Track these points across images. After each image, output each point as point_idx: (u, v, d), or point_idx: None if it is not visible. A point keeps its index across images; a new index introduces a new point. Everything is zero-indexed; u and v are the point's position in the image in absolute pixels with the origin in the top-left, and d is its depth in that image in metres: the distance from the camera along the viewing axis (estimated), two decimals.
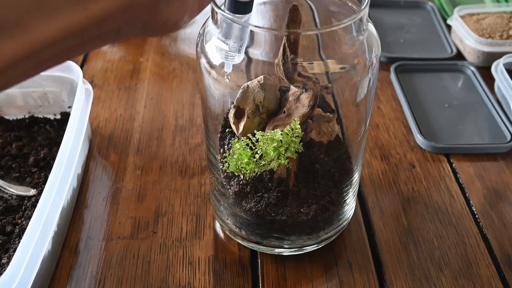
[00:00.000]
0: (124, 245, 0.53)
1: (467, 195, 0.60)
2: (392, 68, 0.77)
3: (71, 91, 0.63)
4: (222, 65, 0.44)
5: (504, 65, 0.72)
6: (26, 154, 0.60)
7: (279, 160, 0.44)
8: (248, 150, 0.44)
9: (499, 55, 0.75)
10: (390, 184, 0.61)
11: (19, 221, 0.52)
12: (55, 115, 0.66)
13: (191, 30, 0.86)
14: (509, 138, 0.67)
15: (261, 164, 0.45)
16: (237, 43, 0.39)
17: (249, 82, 0.46)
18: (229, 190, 0.49)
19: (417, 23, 0.90)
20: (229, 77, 0.45)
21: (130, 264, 0.51)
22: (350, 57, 0.43)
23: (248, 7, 0.38)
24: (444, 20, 0.90)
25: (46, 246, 0.45)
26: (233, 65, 0.43)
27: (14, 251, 0.48)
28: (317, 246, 0.52)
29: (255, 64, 0.45)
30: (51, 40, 0.24)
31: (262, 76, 0.46)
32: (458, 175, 0.63)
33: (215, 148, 0.50)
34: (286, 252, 0.51)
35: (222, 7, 0.39)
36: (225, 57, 0.40)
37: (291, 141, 0.43)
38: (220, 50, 0.40)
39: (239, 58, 0.40)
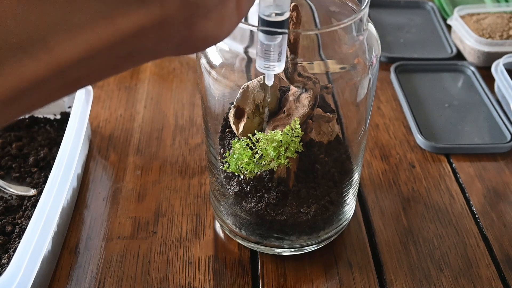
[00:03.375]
0: (124, 245, 0.53)
1: (467, 195, 0.60)
2: (392, 68, 0.77)
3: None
4: (222, 65, 0.44)
5: (504, 65, 0.72)
6: (26, 154, 0.60)
7: (279, 160, 0.44)
8: (248, 150, 0.44)
9: (499, 55, 0.75)
10: (390, 184, 0.61)
11: (19, 221, 0.52)
12: (55, 115, 0.66)
13: None
14: (509, 138, 0.67)
15: (261, 164, 0.45)
16: (277, 52, 0.37)
17: (249, 82, 0.46)
18: (229, 190, 0.49)
19: (417, 23, 0.90)
20: (269, 92, 0.44)
21: (130, 264, 0.51)
22: (350, 57, 0.43)
23: (284, 24, 0.36)
24: (444, 20, 0.90)
25: (46, 246, 0.45)
26: (234, 65, 0.43)
27: (14, 251, 0.48)
28: (317, 246, 0.52)
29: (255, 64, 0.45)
30: (77, 58, 0.22)
31: (262, 76, 0.46)
32: (458, 175, 0.63)
33: (215, 148, 0.50)
34: (286, 252, 0.51)
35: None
36: (266, 67, 0.37)
37: (291, 141, 0.43)
38: (259, 61, 0.37)
39: (280, 67, 0.38)
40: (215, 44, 0.28)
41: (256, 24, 0.36)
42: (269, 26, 0.35)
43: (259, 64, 0.37)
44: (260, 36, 0.36)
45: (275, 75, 0.40)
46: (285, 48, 0.37)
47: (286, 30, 0.36)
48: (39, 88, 0.22)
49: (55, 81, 0.22)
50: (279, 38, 0.36)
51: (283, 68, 0.38)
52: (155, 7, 0.23)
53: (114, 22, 0.22)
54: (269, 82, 0.40)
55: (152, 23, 0.23)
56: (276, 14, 0.34)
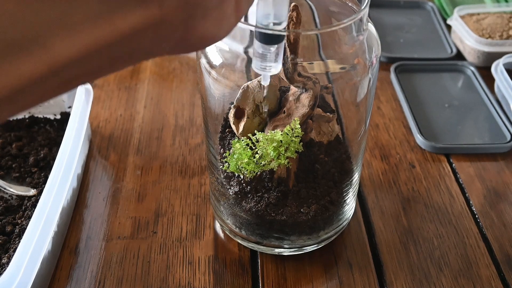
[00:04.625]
0: (124, 245, 0.53)
1: (467, 195, 0.60)
2: (392, 68, 0.77)
3: (71, 91, 0.63)
4: (222, 65, 0.44)
5: (504, 65, 0.72)
6: (26, 154, 0.60)
7: (279, 160, 0.44)
8: (248, 150, 0.44)
9: (499, 55, 0.75)
10: (390, 184, 0.61)
11: (19, 221, 0.52)
12: (55, 115, 0.66)
13: None
14: (509, 138, 0.67)
15: (261, 164, 0.45)
16: (273, 54, 0.37)
17: (249, 82, 0.46)
18: (229, 190, 0.49)
19: (417, 23, 0.90)
20: (266, 91, 0.45)
21: (130, 264, 0.51)
22: (350, 57, 0.43)
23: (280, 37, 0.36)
24: (444, 20, 0.90)
25: (46, 246, 0.45)
26: (234, 65, 0.43)
27: (14, 251, 0.48)
28: (317, 246, 0.52)
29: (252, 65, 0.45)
30: (74, 57, 0.22)
31: (262, 76, 0.46)
32: (458, 175, 0.63)
33: (215, 148, 0.50)
34: (286, 252, 0.51)
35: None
36: (262, 68, 0.37)
37: (291, 141, 0.43)
38: (255, 62, 0.37)
39: (276, 68, 0.37)
40: (213, 44, 0.28)
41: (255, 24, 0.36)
42: (266, 36, 0.35)
43: (255, 65, 0.37)
44: (256, 45, 0.36)
45: (274, 75, 0.40)
46: (282, 49, 0.37)
47: (284, 41, 0.36)
48: (36, 86, 0.22)
49: (53, 80, 0.22)
50: (275, 46, 0.36)
51: (279, 69, 0.38)
52: (153, 7, 0.23)
53: (112, 22, 0.22)
54: (265, 82, 0.41)
55: (151, 23, 0.23)
56: (274, 24, 0.34)
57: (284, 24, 0.35)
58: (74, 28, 0.21)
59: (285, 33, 0.36)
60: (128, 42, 0.23)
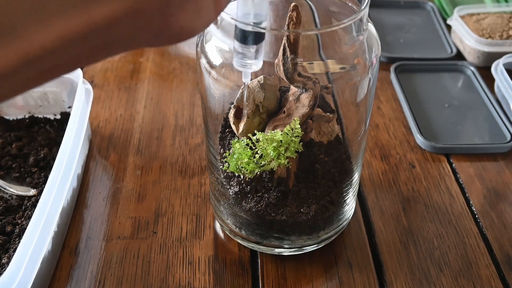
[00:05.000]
0: (124, 245, 0.53)
1: (467, 195, 0.60)
2: (392, 68, 0.77)
3: (71, 91, 0.63)
4: (222, 65, 0.44)
5: (504, 65, 0.72)
6: (26, 154, 0.60)
7: (279, 160, 0.44)
8: (248, 150, 0.44)
9: (499, 55, 0.75)
10: (390, 184, 0.61)
11: (19, 221, 0.52)
12: (55, 115, 0.66)
13: None
14: (509, 138, 0.67)
15: (261, 164, 0.45)
16: (253, 50, 0.37)
17: (249, 82, 0.46)
18: (229, 190, 0.49)
19: (417, 23, 0.90)
20: (246, 86, 0.45)
21: (130, 264, 0.51)
22: (350, 57, 0.43)
23: (261, 36, 0.36)
24: (444, 20, 0.90)
25: (46, 246, 0.45)
26: (233, 65, 0.43)
27: (14, 251, 0.48)
28: (317, 246, 0.52)
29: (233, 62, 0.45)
30: (50, 47, 0.22)
31: (262, 76, 0.46)
32: (458, 175, 0.63)
33: (215, 148, 0.50)
34: (286, 252, 0.51)
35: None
36: (242, 65, 0.37)
37: (291, 141, 0.43)
38: (236, 59, 0.37)
39: (257, 65, 0.37)
40: (191, 36, 0.28)
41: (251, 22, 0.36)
42: (245, 36, 0.35)
43: (235, 62, 0.37)
44: (236, 44, 0.36)
45: (274, 75, 0.40)
46: (262, 47, 0.37)
47: (263, 41, 0.36)
48: (11, 76, 0.22)
49: (29, 70, 0.22)
50: (254, 47, 0.36)
51: (260, 66, 0.38)
52: None
53: (87, 11, 0.22)
54: (246, 79, 0.40)
55: (127, 12, 0.23)
56: (254, 24, 0.34)
57: (264, 24, 0.35)
58: (48, 17, 0.21)
59: (264, 31, 0.36)
60: (105, 31, 0.23)
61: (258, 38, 0.35)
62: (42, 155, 0.59)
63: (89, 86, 0.60)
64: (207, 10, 0.27)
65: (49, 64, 0.23)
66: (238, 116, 0.47)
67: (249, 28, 0.35)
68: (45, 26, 0.21)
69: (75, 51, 0.23)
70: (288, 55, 0.41)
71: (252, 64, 0.37)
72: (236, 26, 0.35)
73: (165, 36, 0.26)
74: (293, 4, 0.41)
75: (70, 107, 0.65)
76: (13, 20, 0.21)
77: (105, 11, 0.22)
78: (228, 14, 0.37)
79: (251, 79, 0.45)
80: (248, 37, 0.35)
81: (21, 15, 0.21)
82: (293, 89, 0.46)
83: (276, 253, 0.52)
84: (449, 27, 0.86)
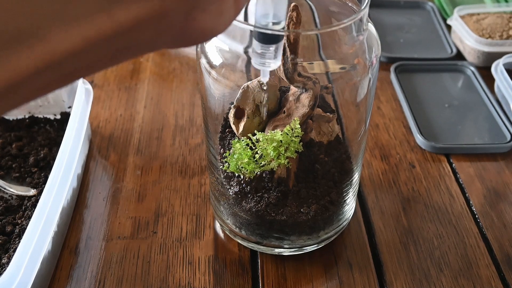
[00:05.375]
0: (124, 245, 0.53)
1: (467, 195, 0.60)
2: (392, 68, 0.77)
3: (71, 91, 0.63)
4: (222, 65, 0.44)
5: (504, 65, 0.72)
6: (26, 154, 0.60)
7: (279, 160, 0.44)
8: (248, 150, 0.44)
9: (499, 55, 0.75)
10: (390, 184, 0.61)
11: (19, 221, 0.52)
12: (55, 115, 0.66)
13: None
14: (509, 138, 0.67)
15: (261, 164, 0.45)
16: (272, 51, 0.37)
17: (249, 82, 0.46)
18: (229, 190, 0.49)
19: (417, 23, 0.90)
20: (265, 86, 0.45)
21: (130, 264, 0.51)
22: (350, 57, 0.43)
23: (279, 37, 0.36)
24: (444, 20, 0.90)
25: (46, 246, 0.45)
26: (234, 65, 0.43)
27: (14, 251, 0.48)
28: (317, 246, 0.52)
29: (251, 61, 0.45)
30: (73, 51, 0.21)
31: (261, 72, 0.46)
32: (458, 175, 0.63)
33: (215, 148, 0.50)
34: (286, 252, 0.51)
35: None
36: (261, 64, 0.37)
37: (291, 141, 0.43)
38: (255, 58, 0.37)
39: (276, 64, 0.38)
40: (212, 37, 0.28)
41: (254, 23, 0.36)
42: (265, 36, 0.35)
43: (254, 61, 0.37)
44: (255, 44, 0.36)
45: (274, 75, 0.40)
46: (281, 46, 0.37)
47: (282, 40, 0.36)
48: (35, 79, 0.21)
49: (51, 73, 0.22)
50: (274, 46, 0.36)
51: (279, 64, 0.38)
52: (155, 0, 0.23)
53: (112, 15, 0.22)
54: (265, 78, 0.40)
55: (151, 16, 0.23)
56: (273, 23, 0.35)
57: (283, 24, 0.35)
58: (73, 20, 0.21)
59: (284, 33, 0.36)
60: (128, 35, 0.23)
61: (277, 37, 0.36)
62: (42, 155, 0.59)
63: (89, 86, 0.60)
64: (228, 11, 0.27)
65: (72, 67, 0.22)
66: (238, 116, 0.47)
67: (261, 30, 0.35)
68: (69, 30, 0.21)
69: (97, 55, 0.23)
70: (288, 55, 0.41)
71: (271, 63, 0.37)
72: (254, 26, 0.35)
73: (187, 37, 0.26)
74: (293, 4, 0.41)
75: (70, 107, 0.65)
76: (37, 24, 0.20)
77: (130, 14, 0.22)
78: (241, 21, 0.37)
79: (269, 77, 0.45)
80: (268, 37, 0.35)
81: (45, 18, 0.21)
82: (293, 89, 0.46)
83: (276, 253, 0.52)
84: (449, 27, 0.86)
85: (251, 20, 0.40)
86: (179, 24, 0.25)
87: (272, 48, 0.36)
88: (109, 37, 0.22)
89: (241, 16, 0.38)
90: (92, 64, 0.24)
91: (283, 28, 0.35)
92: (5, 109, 0.22)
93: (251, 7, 0.36)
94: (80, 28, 0.21)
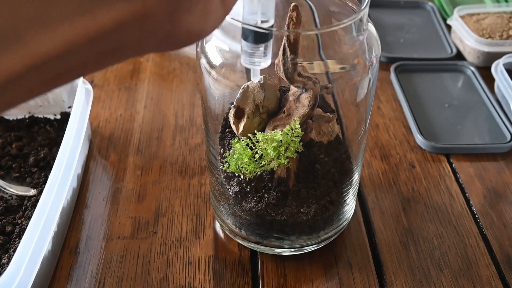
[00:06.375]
0: (124, 245, 0.53)
1: (467, 195, 0.60)
2: (392, 68, 0.77)
3: (71, 91, 0.63)
4: (222, 65, 0.44)
5: (504, 65, 0.72)
6: (26, 154, 0.60)
7: (279, 160, 0.44)
8: (248, 150, 0.44)
9: (499, 55, 0.75)
10: (390, 184, 0.61)
11: (19, 221, 0.52)
12: (55, 115, 0.66)
13: None
14: (509, 138, 0.67)
15: (261, 164, 0.45)
16: (262, 48, 0.37)
17: (249, 82, 0.46)
18: (229, 190, 0.49)
19: (417, 23, 0.90)
20: (261, 81, 0.45)
21: (130, 264, 0.51)
22: (350, 57, 0.43)
23: (269, 35, 0.36)
24: (444, 20, 0.90)
25: (46, 246, 0.45)
26: (234, 65, 0.43)
27: (14, 251, 0.48)
28: (317, 246, 0.52)
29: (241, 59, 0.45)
30: (55, 53, 0.21)
31: (262, 76, 0.46)
32: (458, 175, 0.63)
33: (215, 148, 0.50)
34: (286, 252, 0.51)
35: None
36: (251, 63, 0.38)
37: (291, 141, 0.43)
38: (244, 57, 0.38)
39: (266, 63, 0.38)
40: (199, 39, 0.27)
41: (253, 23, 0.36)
42: (254, 36, 0.35)
43: (244, 60, 0.37)
44: (244, 44, 0.36)
45: (274, 75, 0.40)
46: (270, 44, 0.37)
47: (271, 39, 0.36)
48: (16, 84, 0.21)
49: (34, 77, 0.21)
50: (263, 45, 0.36)
51: (269, 63, 0.38)
52: (136, 1, 0.22)
53: (93, 17, 0.21)
54: (255, 78, 0.40)
55: (134, 18, 0.23)
56: (262, 22, 0.35)
57: (272, 22, 0.35)
58: (53, 23, 0.21)
59: (273, 32, 0.36)
60: (111, 37, 0.23)
61: (266, 36, 0.35)
62: (42, 155, 0.59)
63: (89, 86, 0.60)
64: (215, 11, 0.26)
65: (54, 71, 0.22)
66: (238, 116, 0.47)
67: (251, 28, 0.35)
68: (50, 32, 0.21)
69: (81, 58, 0.22)
70: (288, 55, 0.41)
71: (261, 62, 0.37)
72: (242, 27, 0.35)
73: (173, 40, 0.26)
74: (293, 4, 0.41)
75: (70, 107, 0.65)
76: (16, 26, 0.20)
77: (112, 16, 0.22)
78: (234, 18, 0.37)
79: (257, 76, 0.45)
80: (257, 37, 0.35)
81: (25, 20, 0.20)
82: (293, 89, 0.46)
83: (276, 253, 0.52)
84: (449, 27, 0.86)
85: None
86: (164, 27, 0.24)
87: (261, 48, 0.36)
88: (92, 39, 0.22)
89: (241, 17, 0.38)
90: (77, 67, 0.23)
91: (272, 26, 0.35)
92: None
93: (238, 6, 0.36)
94: (61, 31, 0.21)
